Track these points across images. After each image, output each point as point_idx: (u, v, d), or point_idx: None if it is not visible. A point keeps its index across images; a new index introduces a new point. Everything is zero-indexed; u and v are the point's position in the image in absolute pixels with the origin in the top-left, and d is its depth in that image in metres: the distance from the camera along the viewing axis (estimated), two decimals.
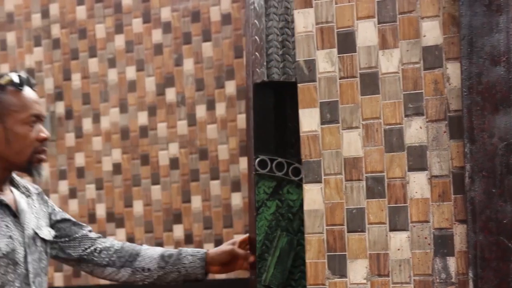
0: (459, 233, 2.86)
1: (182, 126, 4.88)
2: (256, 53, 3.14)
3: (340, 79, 3.05)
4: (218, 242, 4.73)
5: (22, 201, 2.49)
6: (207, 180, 4.81)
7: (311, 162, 3.03)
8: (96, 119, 5.08)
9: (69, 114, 5.14)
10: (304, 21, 3.06)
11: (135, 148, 4.99)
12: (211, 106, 4.82)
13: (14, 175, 2.54)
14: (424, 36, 2.95)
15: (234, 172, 4.71)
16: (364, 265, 2.97)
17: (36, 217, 2.52)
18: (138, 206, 4.96)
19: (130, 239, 4.95)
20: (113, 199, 5.02)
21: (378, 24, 3.01)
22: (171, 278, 2.81)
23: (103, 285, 4.04)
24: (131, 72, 5.01)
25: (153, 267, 2.78)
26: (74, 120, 5.12)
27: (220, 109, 4.79)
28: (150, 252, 2.80)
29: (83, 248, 2.69)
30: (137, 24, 5.01)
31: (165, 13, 4.95)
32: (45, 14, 5.22)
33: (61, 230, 2.66)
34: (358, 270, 2.97)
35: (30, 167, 2.47)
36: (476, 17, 2.82)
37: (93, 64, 5.11)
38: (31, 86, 2.50)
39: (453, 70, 2.89)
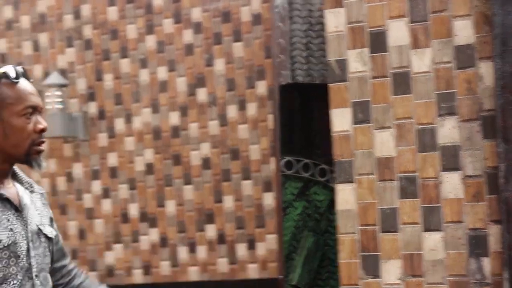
0: (493, 233, 2.84)
1: (213, 126, 4.88)
2: (281, 56, 3.15)
3: (371, 78, 3.04)
4: (250, 242, 4.74)
5: (25, 196, 2.49)
6: (239, 180, 4.81)
7: (343, 162, 3.03)
8: (128, 119, 5.10)
9: (101, 114, 5.17)
10: (335, 20, 3.06)
11: (167, 148, 5.01)
12: (242, 106, 4.82)
13: (18, 170, 2.54)
14: (456, 35, 2.93)
15: (266, 172, 4.70)
16: (398, 265, 2.96)
17: (39, 214, 2.51)
18: (170, 206, 4.97)
19: (163, 239, 4.97)
20: (146, 199, 5.03)
21: (410, 23, 3.00)
22: None
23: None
24: (162, 73, 5.03)
25: None
26: (106, 121, 5.15)
27: (251, 109, 4.78)
28: None
29: (57, 277, 2.64)
30: (168, 25, 5.02)
31: (196, 14, 4.96)
32: (77, 15, 5.25)
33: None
34: (391, 270, 2.96)
35: (29, 159, 2.46)
36: (510, 16, 2.80)
37: (125, 65, 5.13)
38: (27, 79, 2.50)
39: (486, 69, 2.88)
